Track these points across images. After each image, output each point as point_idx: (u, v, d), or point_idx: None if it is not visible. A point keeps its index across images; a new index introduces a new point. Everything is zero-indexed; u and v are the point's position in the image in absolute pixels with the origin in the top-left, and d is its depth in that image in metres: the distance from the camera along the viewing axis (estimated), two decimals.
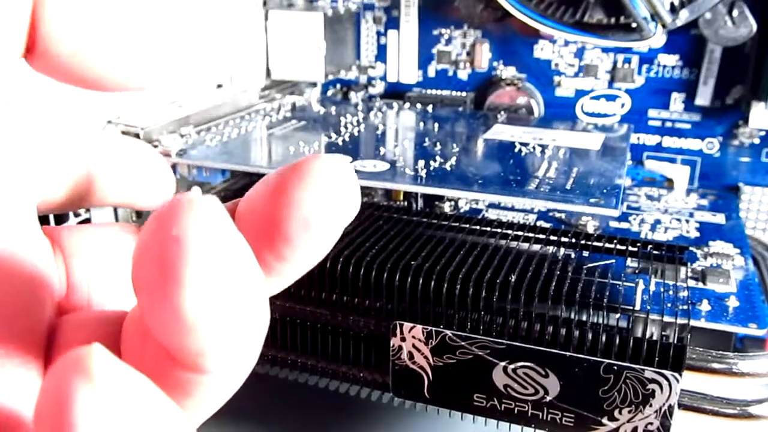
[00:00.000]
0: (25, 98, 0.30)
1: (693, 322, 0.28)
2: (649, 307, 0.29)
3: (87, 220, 0.38)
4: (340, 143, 0.40)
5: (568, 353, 0.27)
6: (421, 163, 0.36)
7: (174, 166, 0.40)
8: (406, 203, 0.39)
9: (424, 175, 0.34)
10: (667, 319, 0.28)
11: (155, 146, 0.38)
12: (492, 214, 0.41)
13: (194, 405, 0.12)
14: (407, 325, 0.29)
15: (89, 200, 0.18)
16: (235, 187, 0.45)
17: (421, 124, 0.46)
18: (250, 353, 0.11)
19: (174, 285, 0.10)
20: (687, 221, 0.41)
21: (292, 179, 0.13)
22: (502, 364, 0.28)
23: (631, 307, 0.29)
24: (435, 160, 0.36)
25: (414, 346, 0.29)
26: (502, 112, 0.49)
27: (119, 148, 0.18)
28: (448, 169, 0.35)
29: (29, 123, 0.16)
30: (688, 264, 0.34)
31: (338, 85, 0.56)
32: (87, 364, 0.09)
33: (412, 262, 0.31)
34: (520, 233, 0.35)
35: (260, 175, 0.47)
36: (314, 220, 0.13)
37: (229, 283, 0.10)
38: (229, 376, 0.12)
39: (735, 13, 0.40)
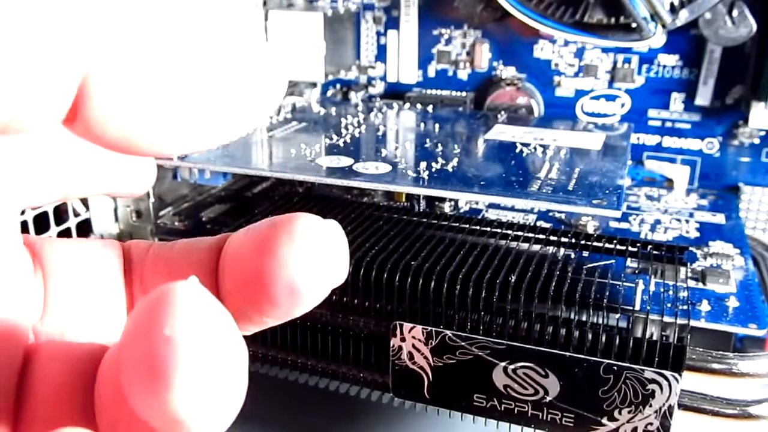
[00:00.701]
0: None
1: (693, 323, 0.28)
2: (648, 308, 0.29)
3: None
4: (341, 145, 0.40)
5: (568, 353, 0.27)
6: (423, 164, 0.36)
7: (175, 169, 0.40)
8: (407, 204, 0.39)
9: (426, 177, 0.34)
10: (667, 319, 0.28)
11: None
12: (492, 215, 0.41)
13: None
14: (407, 325, 0.29)
15: (66, 194, 0.17)
16: (234, 187, 0.45)
17: (422, 124, 0.46)
18: (227, 423, 0.11)
19: (163, 387, 0.10)
20: (687, 221, 0.41)
21: (281, 238, 0.13)
22: (502, 364, 0.28)
23: (631, 308, 0.29)
24: (437, 162, 0.36)
25: (414, 346, 0.30)
26: (502, 112, 0.49)
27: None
28: (450, 170, 0.35)
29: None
30: (688, 264, 0.34)
31: (338, 86, 0.56)
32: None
33: (412, 263, 0.31)
34: (520, 233, 0.35)
35: (261, 177, 0.46)
36: (301, 286, 0.13)
37: (218, 381, 0.10)
38: None
39: (735, 13, 0.40)
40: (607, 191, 0.32)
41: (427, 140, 0.41)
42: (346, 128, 0.43)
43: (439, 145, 0.40)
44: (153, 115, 0.11)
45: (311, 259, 0.13)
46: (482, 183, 0.33)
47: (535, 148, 0.39)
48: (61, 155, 0.16)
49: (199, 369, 0.10)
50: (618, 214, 0.30)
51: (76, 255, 0.16)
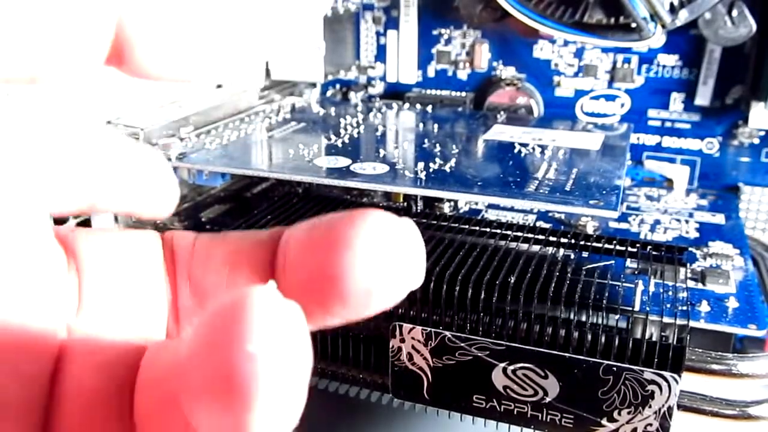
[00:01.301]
0: (23, 97, 0.30)
1: (692, 323, 0.28)
2: (648, 308, 0.29)
3: (86, 221, 0.38)
4: (340, 145, 0.40)
5: (567, 354, 0.27)
6: (421, 165, 0.36)
7: (174, 170, 0.40)
8: (405, 204, 0.39)
9: (424, 178, 0.34)
10: (666, 320, 0.28)
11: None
12: (491, 215, 0.41)
13: None
14: (407, 326, 0.29)
15: (90, 206, 0.16)
16: (233, 187, 0.45)
17: (421, 124, 0.46)
18: None
19: (242, 407, 0.09)
20: (686, 221, 0.41)
21: (355, 235, 0.12)
22: (502, 365, 0.28)
23: (630, 308, 0.29)
24: (435, 162, 0.36)
25: (413, 347, 0.29)
26: (502, 112, 0.49)
27: (123, 152, 0.17)
28: (448, 171, 0.35)
29: (36, 122, 0.15)
30: (688, 265, 0.34)
31: (338, 86, 0.56)
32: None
33: None
34: (519, 234, 0.35)
35: (260, 178, 0.46)
36: (379, 286, 0.12)
37: (293, 402, 0.10)
38: None
39: (734, 13, 0.40)
40: (604, 191, 0.32)
41: (426, 140, 0.41)
42: (345, 129, 0.43)
43: (438, 145, 0.40)
44: (193, 40, 0.12)
45: (390, 258, 0.12)
46: (480, 183, 0.33)
47: (533, 149, 0.39)
48: (92, 167, 0.16)
49: (282, 391, 0.09)
50: (615, 214, 0.30)
51: (112, 247, 0.15)
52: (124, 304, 0.15)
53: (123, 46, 0.12)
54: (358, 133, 0.43)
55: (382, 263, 0.12)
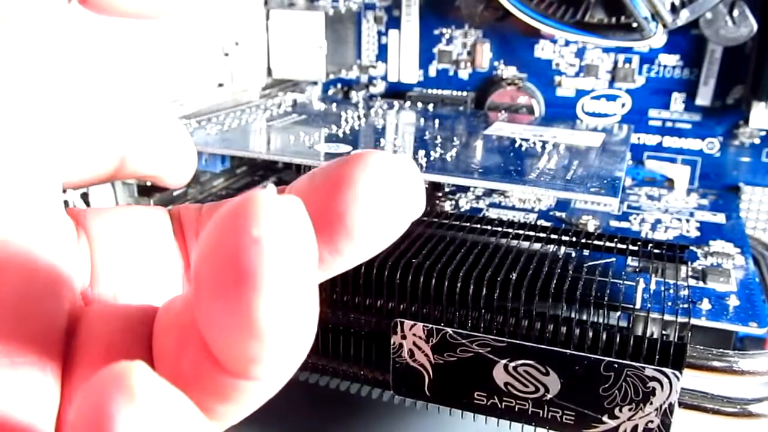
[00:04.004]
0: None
1: (693, 321, 0.28)
2: (649, 306, 0.29)
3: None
4: (341, 135, 0.39)
5: (568, 351, 0.27)
6: (421, 152, 0.36)
7: None
8: None
9: (424, 164, 0.34)
10: (667, 317, 0.28)
11: None
12: (493, 213, 0.41)
13: (230, 410, 0.12)
14: (408, 322, 0.29)
15: (122, 172, 0.17)
16: (235, 186, 0.45)
17: (422, 120, 0.46)
18: (299, 362, 0.11)
19: (250, 289, 0.09)
20: (687, 221, 0.41)
21: (356, 173, 0.13)
22: (503, 362, 0.28)
23: (631, 306, 0.29)
24: (435, 152, 0.36)
25: (415, 343, 0.30)
26: (503, 112, 0.49)
27: (153, 119, 0.17)
28: (449, 159, 0.35)
29: (57, 93, 0.15)
30: (689, 263, 0.34)
31: (339, 85, 0.56)
32: (130, 383, 0.09)
33: (413, 260, 0.31)
34: (520, 232, 0.35)
35: (261, 164, 0.46)
36: (381, 217, 0.13)
37: (302, 293, 0.10)
38: (273, 384, 0.11)
39: (735, 13, 0.40)
40: (605, 181, 0.32)
41: (426, 133, 0.41)
42: (346, 121, 0.43)
43: (438, 137, 0.40)
44: None
45: (391, 191, 0.13)
46: (481, 171, 0.33)
47: (534, 143, 0.39)
48: (111, 138, 0.16)
49: (288, 272, 0.09)
50: (616, 201, 0.30)
51: (122, 221, 0.16)
52: (138, 274, 0.15)
53: None
54: (359, 125, 0.43)
55: (383, 196, 0.13)
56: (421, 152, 0.36)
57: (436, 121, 0.45)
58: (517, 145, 0.39)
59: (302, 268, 0.10)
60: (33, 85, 0.14)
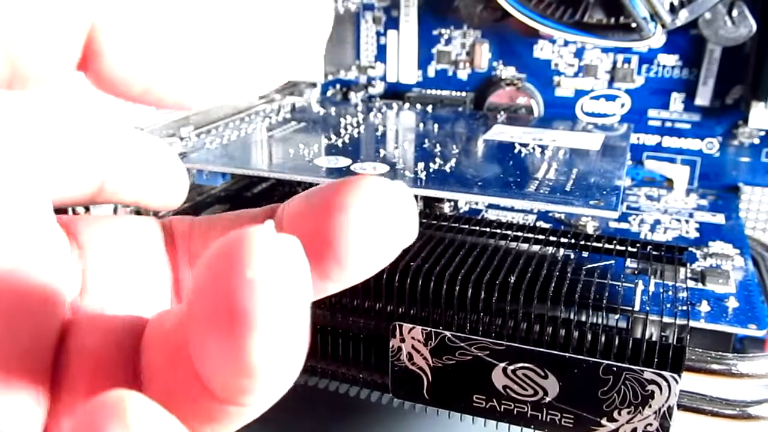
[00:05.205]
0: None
1: (692, 323, 0.28)
2: (648, 308, 0.29)
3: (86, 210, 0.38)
4: (340, 145, 0.40)
5: (567, 354, 0.27)
6: (421, 165, 0.36)
7: None
8: None
9: (424, 178, 0.34)
10: (666, 319, 0.28)
11: None
12: (491, 215, 0.41)
13: (215, 430, 0.12)
14: (407, 326, 0.29)
15: (101, 197, 0.17)
16: (234, 187, 0.45)
17: (421, 124, 0.46)
18: (287, 388, 0.11)
19: (243, 329, 0.09)
20: (687, 221, 0.41)
21: (349, 198, 0.13)
22: (502, 365, 0.28)
23: (630, 308, 0.29)
24: (435, 162, 0.36)
25: (413, 347, 0.29)
26: (502, 112, 0.49)
27: (135, 145, 0.17)
28: (448, 171, 0.35)
29: (47, 115, 0.15)
30: (688, 264, 0.34)
31: (338, 86, 0.56)
32: (123, 410, 0.09)
33: (412, 263, 0.31)
34: (519, 234, 0.35)
35: (260, 178, 0.46)
36: (372, 245, 0.13)
37: (295, 333, 0.10)
38: (261, 409, 0.12)
39: (735, 13, 0.40)
40: (604, 192, 0.32)
41: (426, 140, 0.41)
42: (345, 129, 0.43)
43: (438, 145, 0.40)
44: (170, 62, 0.11)
45: (383, 218, 0.13)
46: (480, 183, 0.33)
47: (533, 149, 0.39)
48: (97, 161, 0.16)
49: (283, 316, 0.10)
50: (615, 215, 0.30)
51: (113, 231, 0.16)
52: (127, 285, 0.15)
53: (93, 50, 0.10)
54: (359, 132, 0.43)
55: (375, 223, 0.13)
56: (421, 165, 0.36)
57: (435, 125, 0.45)
58: (516, 151, 0.39)
59: (295, 309, 0.10)
60: (17, 102, 0.14)
